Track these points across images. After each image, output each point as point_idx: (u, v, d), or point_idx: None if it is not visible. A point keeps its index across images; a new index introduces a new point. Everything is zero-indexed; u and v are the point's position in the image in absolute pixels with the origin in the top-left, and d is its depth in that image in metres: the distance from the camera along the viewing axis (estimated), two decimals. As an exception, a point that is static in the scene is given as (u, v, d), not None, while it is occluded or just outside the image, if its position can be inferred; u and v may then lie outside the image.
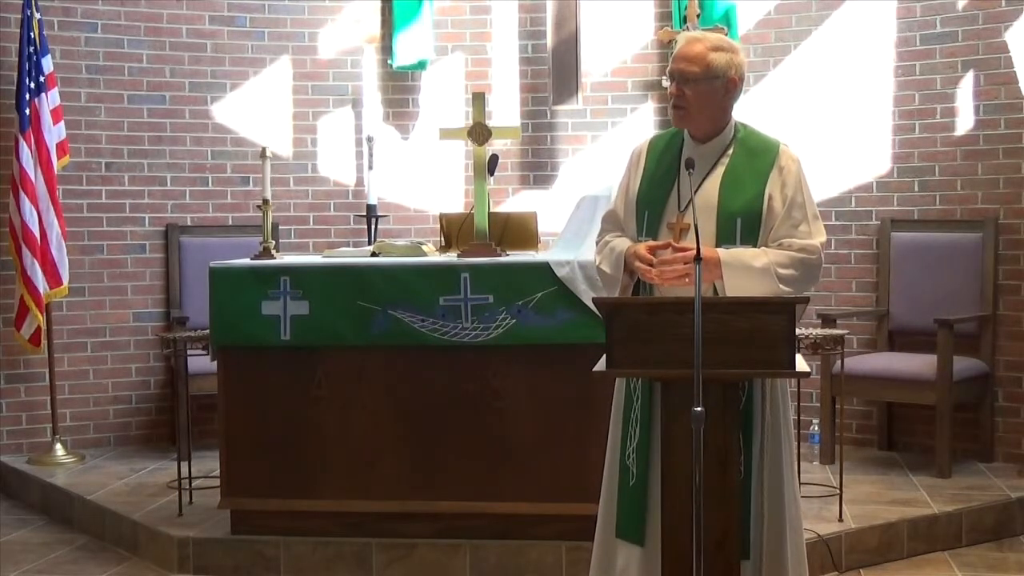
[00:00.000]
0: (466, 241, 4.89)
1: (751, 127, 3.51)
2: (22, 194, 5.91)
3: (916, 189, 6.04)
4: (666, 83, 3.61)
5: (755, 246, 3.34)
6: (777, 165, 3.38)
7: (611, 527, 3.49)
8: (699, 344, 2.94)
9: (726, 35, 6.09)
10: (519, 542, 4.65)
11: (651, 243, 3.33)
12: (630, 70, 6.65)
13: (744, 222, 3.33)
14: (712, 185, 3.37)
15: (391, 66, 6.73)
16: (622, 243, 3.46)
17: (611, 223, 3.56)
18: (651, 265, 3.28)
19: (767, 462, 3.34)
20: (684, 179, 3.32)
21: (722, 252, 3.28)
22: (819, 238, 3.37)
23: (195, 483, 5.29)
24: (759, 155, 3.41)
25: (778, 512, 3.37)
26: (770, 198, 3.35)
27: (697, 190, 3.35)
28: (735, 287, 3.26)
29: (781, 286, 3.27)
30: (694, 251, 3.09)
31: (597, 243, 3.59)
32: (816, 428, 5.86)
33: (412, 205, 6.83)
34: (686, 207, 3.33)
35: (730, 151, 3.42)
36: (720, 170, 3.39)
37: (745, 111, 6.37)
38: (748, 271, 3.27)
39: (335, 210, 6.83)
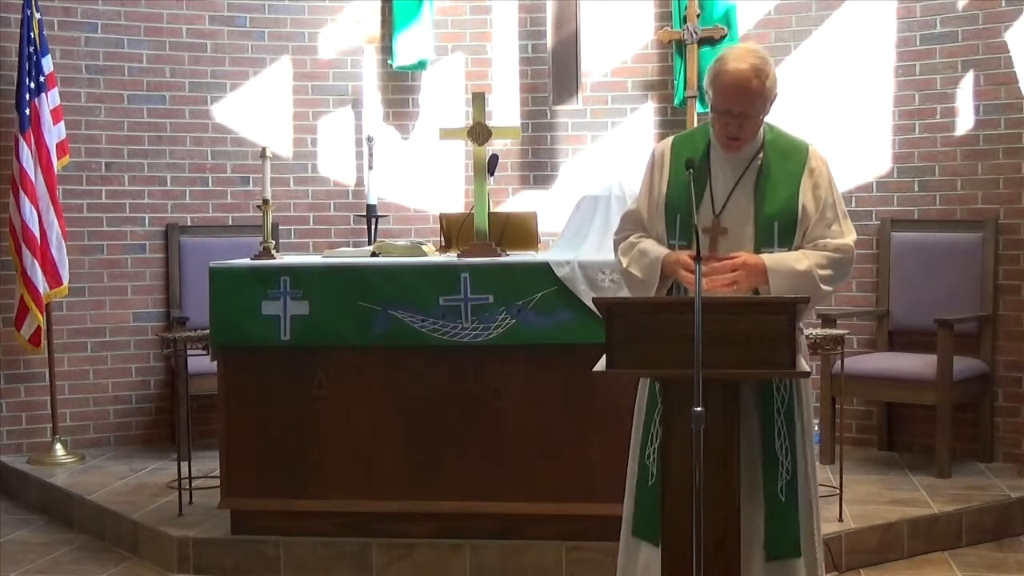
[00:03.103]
0: (466, 241, 4.89)
1: (777, 128, 3.50)
2: (22, 194, 5.91)
3: (916, 189, 6.04)
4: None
5: (791, 248, 3.37)
6: (808, 167, 3.40)
7: (631, 528, 3.49)
8: (699, 344, 2.94)
9: (726, 35, 6.16)
10: (519, 542, 4.65)
11: (685, 258, 3.32)
12: (630, 70, 6.65)
13: (781, 225, 3.35)
14: (747, 189, 3.37)
15: (391, 66, 6.73)
16: (653, 247, 3.43)
17: (633, 223, 3.54)
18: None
19: (809, 461, 3.40)
20: (716, 183, 3.36)
21: (766, 258, 3.31)
22: (851, 236, 3.42)
23: (195, 483, 5.29)
24: (790, 157, 3.42)
25: (815, 510, 3.44)
26: (804, 200, 3.37)
27: (732, 193, 3.37)
28: (780, 291, 3.28)
29: (822, 286, 3.33)
30: (739, 258, 3.25)
31: (617, 242, 3.55)
32: (816, 428, 5.85)
33: (412, 205, 6.83)
34: (720, 211, 3.36)
35: (761, 154, 3.41)
36: (753, 174, 3.39)
37: (745, 111, 6.37)
38: (793, 275, 3.30)
39: (335, 210, 6.83)
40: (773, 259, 3.31)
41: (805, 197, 3.37)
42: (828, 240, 3.36)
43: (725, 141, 3.37)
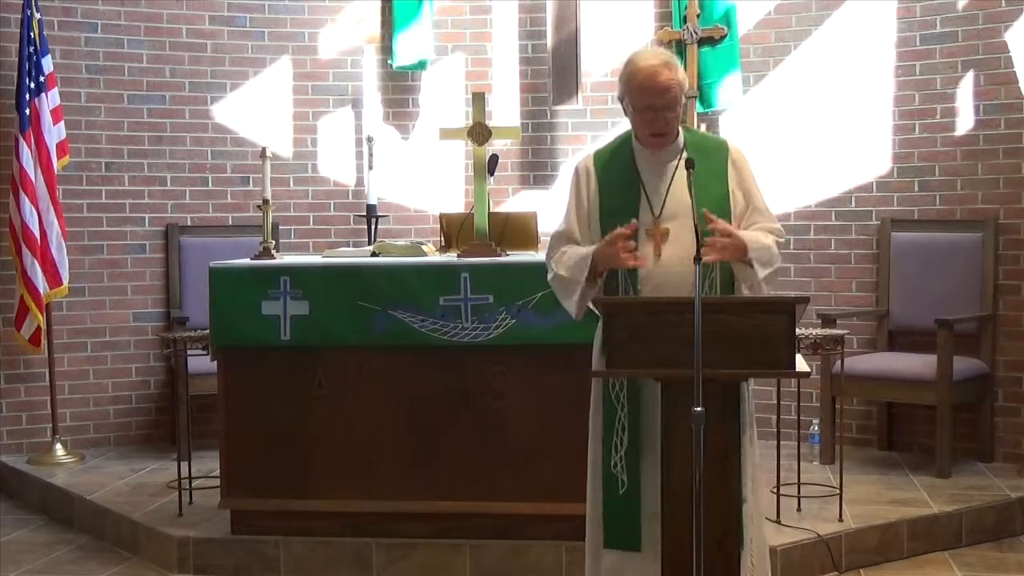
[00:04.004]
0: (466, 241, 4.89)
1: (693, 128, 3.65)
2: (22, 194, 5.91)
3: (916, 189, 6.04)
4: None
5: None
6: (731, 160, 3.53)
7: (600, 537, 3.50)
8: (699, 344, 2.94)
9: (726, 35, 6.16)
10: (519, 542, 4.65)
11: (620, 230, 3.35)
12: (630, 70, 6.64)
13: (720, 217, 3.41)
14: (681, 186, 3.41)
15: (391, 66, 6.73)
16: (580, 248, 3.48)
17: (565, 241, 3.56)
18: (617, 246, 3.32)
19: (751, 454, 3.45)
20: (651, 186, 3.44)
21: (744, 236, 3.38)
22: (779, 223, 3.56)
23: (195, 483, 5.29)
24: (712, 154, 3.52)
25: (758, 502, 3.50)
26: (734, 192, 3.50)
27: (668, 195, 3.43)
28: (759, 262, 3.37)
29: (775, 265, 3.44)
30: (730, 228, 3.30)
31: (548, 258, 3.58)
32: (816, 428, 5.86)
33: (412, 205, 6.83)
34: (661, 211, 3.40)
35: (684, 153, 3.48)
36: (684, 173, 3.42)
37: (746, 111, 6.40)
38: (764, 248, 3.39)
39: (335, 210, 6.83)
40: (749, 237, 3.39)
41: (734, 189, 3.50)
42: (766, 224, 3.49)
43: (651, 139, 3.46)
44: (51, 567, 4.95)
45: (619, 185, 3.48)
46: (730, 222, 3.44)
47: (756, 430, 3.56)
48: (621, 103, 3.49)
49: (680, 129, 3.52)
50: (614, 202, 3.47)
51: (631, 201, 3.45)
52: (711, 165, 3.47)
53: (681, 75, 3.42)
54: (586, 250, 3.44)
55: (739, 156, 3.54)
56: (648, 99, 3.38)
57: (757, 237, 3.40)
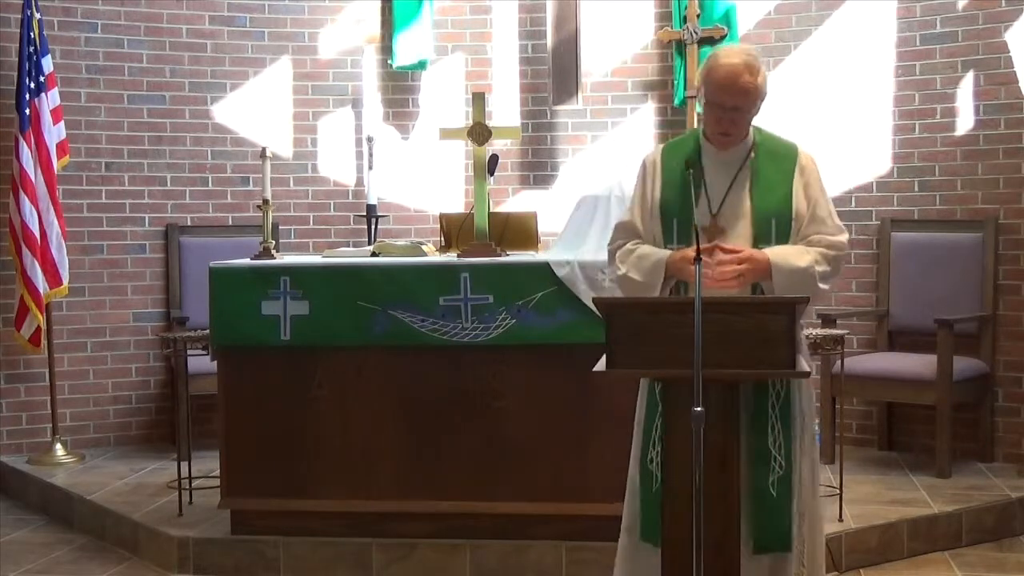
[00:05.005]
0: (466, 241, 4.89)
1: (765, 130, 3.56)
2: (22, 194, 5.91)
3: (916, 189, 6.04)
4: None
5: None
6: (799, 166, 3.48)
7: (637, 531, 3.49)
8: (699, 344, 2.94)
9: (726, 35, 6.16)
10: (519, 542, 4.64)
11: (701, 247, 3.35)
12: (630, 70, 6.65)
13: (778, 222, 3.40)
14: (742, 189, 3.41)
15: (391, 66, 6.73)
16: (654, 251, 3.46)
17: (627, 233, 3.55)
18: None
19: (806, 458, 3.42)
20: (712, 184, 3.40)
21: (770, 252, 3.35)
22: (844, 235, 3.49)
23: (195, 483, 5.29)
24: (780, 157, 3.48)
25: (815, 507, 3.48)
26: (797, 198, 3.44)
27: (727, 194, 3.41)
28: (782, 286, 3.33)
29: (819, 284, 3.38)
30: (744, 251, 3.27)
31: (612, 251, 3.57)
32: (816, 428, 5.84)
33: (412, 205, 6.83)
34: (717, 211, 3.40)
35: (752, 155, 3.46)
36: (747, 174, 3.43)
37: (745, 111, 6.37)
38: (793, 271, 3.35)
39: (335, 210, 6.83)
40: (776, 254, 3.36)
41: (797, 196, 3.44)
42: (823, 237, 3.43)
43: (718, 137, 3.43)
44: (51, 567, 4.95)
45: (682, 180, 3.44)
46: (790, 226, 3.41)
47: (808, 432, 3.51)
48: (697, 93, 3.49)
49: (752, 131, 3.48)
50: (674, 196, 3.45)
51: (691, 197, 3.42)
52: (779, 167, 3.45)
53: (761, 79, 3.38)
54: (658, 255, 3.42)
55: (808, 162, 3.49)
56: (721, 97, 3.36)
57: (789, 259, 3.35)
